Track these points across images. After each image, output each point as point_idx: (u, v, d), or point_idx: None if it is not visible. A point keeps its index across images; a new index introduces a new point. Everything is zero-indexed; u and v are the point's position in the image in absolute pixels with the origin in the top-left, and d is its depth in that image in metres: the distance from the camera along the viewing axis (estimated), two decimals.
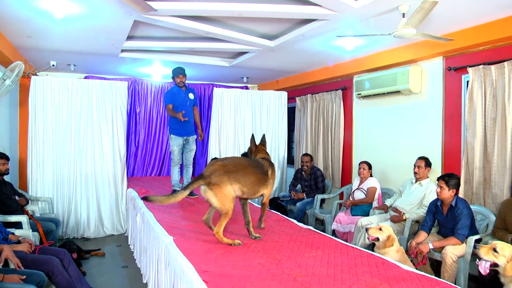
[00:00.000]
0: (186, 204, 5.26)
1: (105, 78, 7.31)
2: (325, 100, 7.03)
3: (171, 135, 5.64)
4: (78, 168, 5.98)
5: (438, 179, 4.02)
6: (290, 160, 8.39)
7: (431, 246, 3.84)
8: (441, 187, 3.95)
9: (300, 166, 6.79)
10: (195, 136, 5.77)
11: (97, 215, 6.12)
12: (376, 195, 5.35)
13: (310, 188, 6.52)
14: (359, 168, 5.56)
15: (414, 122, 5.38)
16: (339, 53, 5.65)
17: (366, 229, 3.73)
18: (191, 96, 5.61)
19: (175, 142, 5.62)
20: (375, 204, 5.32)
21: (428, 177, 4.78)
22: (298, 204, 6.30)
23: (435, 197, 4.22)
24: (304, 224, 4.23)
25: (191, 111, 5.65)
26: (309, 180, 6.54)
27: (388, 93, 5.58)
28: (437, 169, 4.96)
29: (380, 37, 4.65)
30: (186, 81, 5.74)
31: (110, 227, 6.20)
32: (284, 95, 7.47)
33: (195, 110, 5.77)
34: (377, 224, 3.82)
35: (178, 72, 5.49)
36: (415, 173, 4.78)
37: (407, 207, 4.71)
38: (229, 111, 6.98)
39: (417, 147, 5.28)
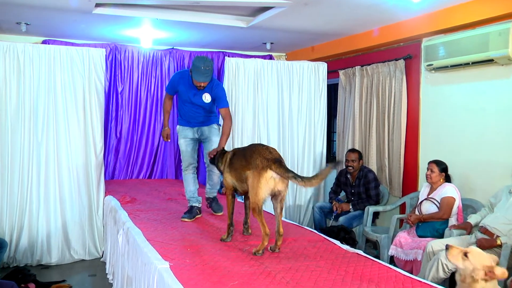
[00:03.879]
0: None
1: (73, 44, 7.20)
2: (381, 74, 6.94)
3: (178, 125, 5.51)
4: (34, 168, 5.90)
5: None
6: (331, 158, 8.35)
7: None
8: None
9: (344, 167, 6.76)
10: (213, 126, 5.41)
11: (61, 233, 6.04)
12: (455, 209, 5.23)
13: (358, 197, 6.55)
14: (428, 170, 5.47)
15: None
16: (402, 5, 5.53)
17: (446, 247, 3.45)
18: (206, 98, 5.17)
19: (182, 134, 5.40)
20: (452, 221, 5.20)
21: None
22: (341, 218, 6.32)
23: None
24: (351, 246, 4.33)
25: (202, 111, 5.31)
26: (357, 186, 6.57)
27: (474, 63, 5.41)
28: None
29: None
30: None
31: (80, 249, 6.15)
32: (322, 67, 7.38)
33: (224, 112, 5.20)
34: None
35: (200, 72, 4.88)
36: None
37: (503, 228, 4.53)
38: (247, 88, 6.92)
39: None
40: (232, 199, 4.33)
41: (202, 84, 4.98)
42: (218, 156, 4.57)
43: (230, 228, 4.31)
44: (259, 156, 3.81)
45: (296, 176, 3.74)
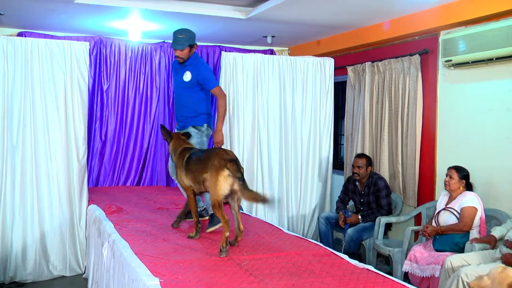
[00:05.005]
0: (179, 229, 5.33)
1: (53, 37, 7.23)
2: (393, 70, 6.92)
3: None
4: (8, 174, 5.88)
5: None
6: (338, 164, 8.40)
7: None
8: None
9: (352, 173, 6.79)
10: (191, 129, 5.44)
11: (39, 246, 6.01)
12: (476, 220, 5.20)
13: (368, 207, 6.57)
14: (446, 177, 5.44)
15: None
16: None
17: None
18: (186, 76, 5.41)
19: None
20: (474, 234, 5.18)
21: None
22: (349, 230, 6.37)
23: None
24: (360, 261, 4.30)
25: (184, 93, 5.49)
26: (367, 194, 6.59)
27: (498, 58, 5.36)
28: None
29: None
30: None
31: (60, 264, 6.12)
32: (329, 63, 7.41)
33: (216, 93, 5.46)
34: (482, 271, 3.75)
35: (173, 39, 5.39)
36: None
37: None
38: (246, 86, 6.91)
39: None
40: (193, 197, 4.88)
41: (178, 53, 5.36)
42: (172, 139, 5.10)
43: (198, 226, 4.87)
44: (217, 157, 4.38)
45: (241, 180, 4.30)
